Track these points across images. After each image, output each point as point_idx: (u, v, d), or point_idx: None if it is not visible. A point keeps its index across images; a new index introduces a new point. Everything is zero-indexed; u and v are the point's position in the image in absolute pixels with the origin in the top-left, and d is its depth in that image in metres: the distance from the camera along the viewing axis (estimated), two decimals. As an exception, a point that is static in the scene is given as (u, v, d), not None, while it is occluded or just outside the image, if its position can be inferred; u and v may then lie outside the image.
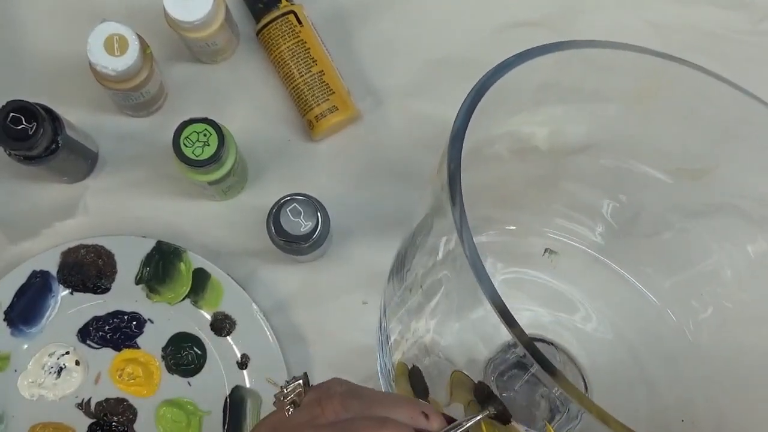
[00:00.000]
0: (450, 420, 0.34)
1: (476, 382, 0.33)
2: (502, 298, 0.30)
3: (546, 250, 0.48)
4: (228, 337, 0.63)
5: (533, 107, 0.42)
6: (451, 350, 0.36)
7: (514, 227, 0.48)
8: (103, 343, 0.62)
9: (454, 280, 0.34)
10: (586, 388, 0.34)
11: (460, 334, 0.37)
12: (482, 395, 0.33)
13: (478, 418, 0.33)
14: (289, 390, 0.36)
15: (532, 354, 0.27)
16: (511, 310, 0.29)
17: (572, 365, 0.34)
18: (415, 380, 0.37)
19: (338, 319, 0.64)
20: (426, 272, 0.37)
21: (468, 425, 0.33)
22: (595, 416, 0.26)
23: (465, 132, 0.33)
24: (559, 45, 0.37)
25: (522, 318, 0.31)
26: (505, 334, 0.30)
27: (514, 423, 0.32)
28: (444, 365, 0.36)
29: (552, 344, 0.33)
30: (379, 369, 0.42)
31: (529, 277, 0.28)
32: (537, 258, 0.47)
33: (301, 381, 0.36)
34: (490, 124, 0.33)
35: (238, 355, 0.63)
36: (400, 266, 0.39)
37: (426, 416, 0.33)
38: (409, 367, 0.38)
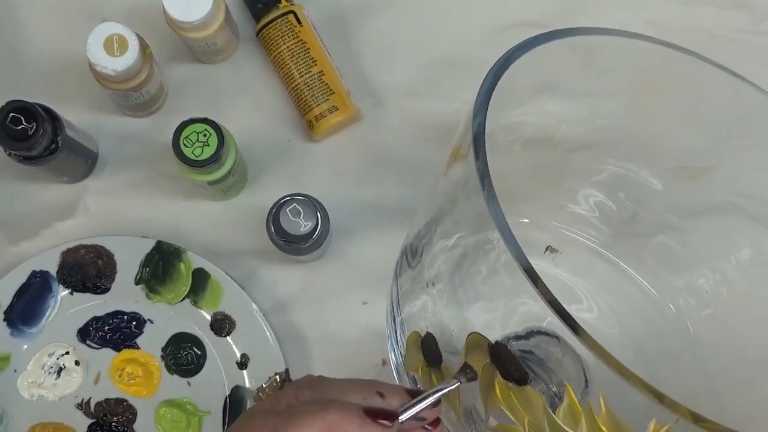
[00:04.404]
0: (416, 394, 0.34)
1: (493, 342, 0.33)
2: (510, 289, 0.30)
3: (548, 248, 0.48)
4: (228, 337, 0.63)
5: (536, 100, 0.42)
6: (467, 326, 0.36)
7: (517, 220, 0.48)
8: (103, 343, 0.62)
9: (472, 250, 0.34)
10: (586, 381, 0.34)
11: (475, 315, 0.37)
12: (498, 356, 0.33)
13: (445, 390, 0.33)
14: (267, 385, 0.36)
15: (555, 310, 0.27)
16: (512, 302, 0.29)
17: (573, 356, 0.34)
18: (428, 347, 0.37)
19: (338, 319, 0.64)
20: (444, 249, 0.37)
21: (433, 399, 0.33)
22: (615, 371, 0.26)
23: (496, 85, 0.34)
24: (575, 30, 0.37)
25: (525, 309, 0.31)
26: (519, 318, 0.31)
27: (530, 386, 0.32)
28: (459, 333, 0.36)
29: (555, 336, 0.33)
30: (391, 354, 0.42)
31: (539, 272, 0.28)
32: (539, 251, 0.48)
33: (278, 376, 0.37)
34: (498, 112, 0.34)
35: (238, 355, 0.63)
36: (413, 252, 0.39)
37: (381, 395, 0.33)
38: (423, 335, 0.38)
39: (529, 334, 0.39)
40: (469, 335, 0.34)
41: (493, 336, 0.33)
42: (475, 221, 0.33)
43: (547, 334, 0.35)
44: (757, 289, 0.44)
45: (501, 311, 0.36)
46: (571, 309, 0.27)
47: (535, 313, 0.28)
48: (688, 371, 0.43)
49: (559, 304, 0.27)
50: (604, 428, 0.30)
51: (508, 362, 0.32)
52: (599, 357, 0.27)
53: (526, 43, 0.35)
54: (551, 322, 0.28)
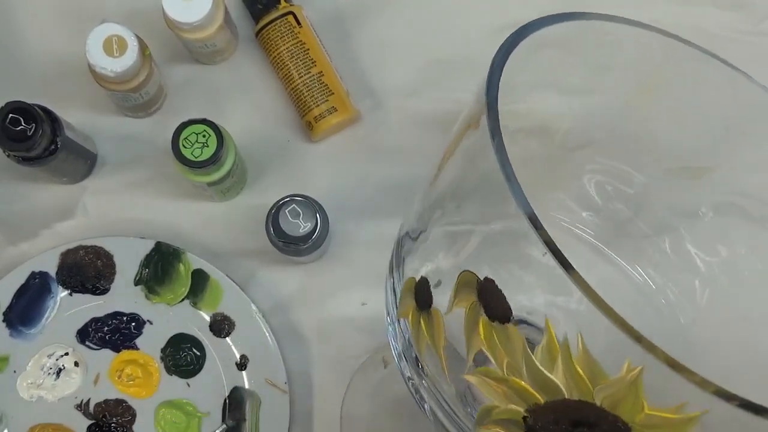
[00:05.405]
0: None
1: (482, 278, 0.33)
2: (501, 279, 0.30)
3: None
4: (227, 338, 0.63)
5: (535, 96, 0.42)
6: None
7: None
8: (102, 344, 0.62)
9: (475, 244, 0.34)
10: None
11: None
12: (485, 292, 0.33)
13: None
14: None
15: (552, 251, 0.27)
16: (507, 297, 0.29)
17: None
18: (420, 291, 0.37)
19: (338, 320, 0.64)
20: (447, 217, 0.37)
21: None
22: (600, 309, 0.26)
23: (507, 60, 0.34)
24: (578, 15, 0.37)
25: (517, 301, 0.31)
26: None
27: (511, 324, 0.32)
28: (450, 275, 0.35)
29: (540, 328, 0.33)
30: (391, 340, 0.42)
31: (529, 260, 0.28)
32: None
33: None
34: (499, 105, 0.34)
35: (237, 356, 0.62)
36: (412, 240, 0.39)
37: None
38: (417, 279, 0.37)
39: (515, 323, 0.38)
40: (460, 273, 0.34)
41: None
42: (479, 212, 0.33)
43: (532, 324, 0.35)
44: (756, 289, 0.44)
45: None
46: (560, 300, 0.27)
47: (523, 305, 0.28)
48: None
49: (557, 247, 0.27)
50: (578, 368, 0.30)
51: (494, 297, 0.32)
52: (586, 295, 0.27)
53: (546, 19, 0.35)
54: (543, 313, 0.27)
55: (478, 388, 0.33)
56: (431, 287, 0.36)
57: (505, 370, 0.32)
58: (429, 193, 0.38)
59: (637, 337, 0.27)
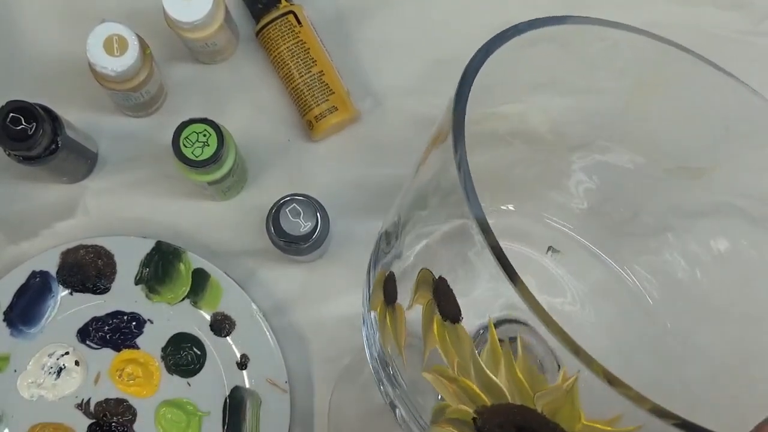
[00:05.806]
0: None
1: (437, 277, 0.33)
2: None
3: (549, 248, 0.48)
4: (227, 338, 0.63)
5: (528, 93, 0.42)
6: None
7: (505, 208, 0.48)
8: (103, 343, 0.62)
9: (445, 245, 0.34)
10: (558, 366, 0.34)
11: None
12: (439, 291, 0.33)
13: None
14: None
15: (498, 259, 0.27)
16: (505, 293, 0.29)
17: (546, 347, 0.34)
18: (388, 285, 0.37)
19: (338, 320, 0.64)
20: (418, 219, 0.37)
21: None
22: (551, 332, 0.26)
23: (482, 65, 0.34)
24: (569, 18, 0.37)
25: (505, 297, 0.31)
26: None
27: (463, 324, 0.32)
28: (414, 272, 0.35)
29: (525, 324, 0.33)
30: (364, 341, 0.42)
31: (521, 258, 0.28)
32: (542, 249, 0.47)
33: None
34: (490, 104, 0.33)
35: (238, 356, 0.63)
36: (387, 241, 0.39)
37: None
38: (386, 274, 0.38)
39: (500, 322, 0.38)
40: (420, 271, 0.34)
41: (469, 324, 0.33)
42: (452, 209, 0.33)
43: (518, 322, 0.34)
44: (755, 290, 0.44)
45: (477, 303, 0.36)
46: (556, 301, 0.27)
47: (511, 303, 0.28)
48: (677, 376, 0.42)
49: (501, 250, 0.27)
50: (519, 373, 0.30)
51: (446, 297, 0.32)
52: (524, 299, 0.26)
53: (527, 24, 0.35)
54: (520, 308, 0.27)
55: (434, 386, 0.34)
56: (397, 283, 0.36)
57: (455, 369, 0.32)
58: (406, 194, 0.39)
59: (575, 350, 0.26)
